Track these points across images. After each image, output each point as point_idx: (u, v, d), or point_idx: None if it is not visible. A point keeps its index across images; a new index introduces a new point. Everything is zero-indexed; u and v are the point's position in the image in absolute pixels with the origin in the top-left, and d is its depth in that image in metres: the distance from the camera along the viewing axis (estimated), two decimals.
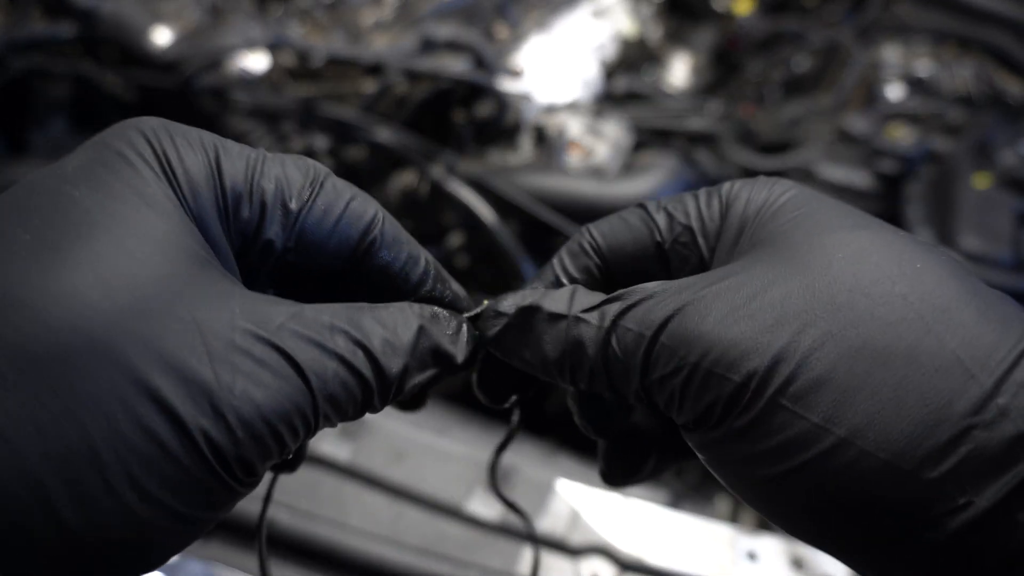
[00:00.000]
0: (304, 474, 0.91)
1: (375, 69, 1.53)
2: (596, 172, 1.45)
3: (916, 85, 1.74)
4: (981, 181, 1.36)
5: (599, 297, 0.37)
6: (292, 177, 0.35)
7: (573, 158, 1.48)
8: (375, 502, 0.90)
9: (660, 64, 2.17)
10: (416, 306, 0.36)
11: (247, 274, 0.36)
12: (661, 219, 0.39)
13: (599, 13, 2.00)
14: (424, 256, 0.39)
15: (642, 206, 0.41)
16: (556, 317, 0.37)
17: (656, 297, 0.34)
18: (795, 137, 1.72)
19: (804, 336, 0.29)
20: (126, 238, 0.29)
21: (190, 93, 1.41)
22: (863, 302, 0.30)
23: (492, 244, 1.35)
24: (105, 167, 0.31)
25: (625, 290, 0.36)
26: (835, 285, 0.30)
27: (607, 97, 1.87)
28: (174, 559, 0.82)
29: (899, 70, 1.80)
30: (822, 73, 1.94)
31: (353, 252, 0.36)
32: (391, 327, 0.34)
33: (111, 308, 0.28)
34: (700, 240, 0.38)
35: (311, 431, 0.32)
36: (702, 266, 0.39)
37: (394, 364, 0.33)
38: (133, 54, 1.43)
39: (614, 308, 0.35)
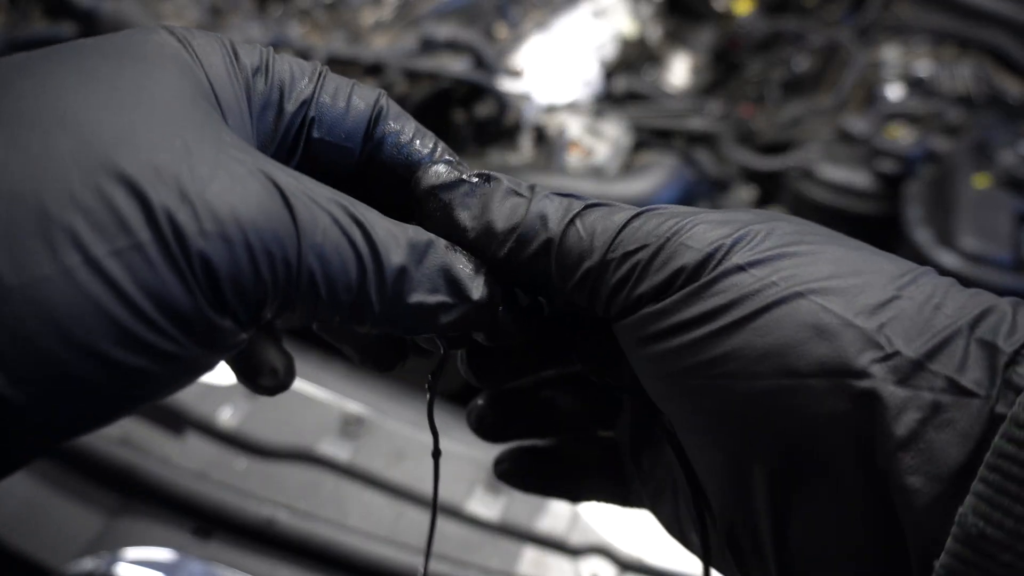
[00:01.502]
0: (304, 474, 0.91)
1: (375, 69, 1.53)
2: (596, 172, 1.45)
3: (916, 85, 1.74)
4: (981, 181, 1.37)
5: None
6: (301, 65, 0.35)
7: (573, 158, 1.49)
8: (375, 502, 0.90)
9: (660, 64, 2.17)
10: (430, 233, 0.33)
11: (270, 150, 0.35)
12: None
13: (599, 13, 2.01)
14: (430, 133, 0.39)
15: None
16: (515, 193, 0.36)
17: (627, 209, 0.35)
18: (795, 137, 1.72)
19: (761, 224, 0.33)
20: (132, 76, 0.28)
21: None
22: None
23: None
24: (128, 35, 0.31)
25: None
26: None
27: (607, 97, 1.87)
28: (174, 558, 0.82)
29: (899, 70, 1.80)
30: (822, 73, 1.94)
31: (366, 131, 0.35)
32: (399, 225, 0.31)
33: (90, 102, 0.27)
34: None
35: (293, 280, 0.28)
36: None
37: (395, 256, 0.30)
38: None
39: (580, 202, 0.36)
